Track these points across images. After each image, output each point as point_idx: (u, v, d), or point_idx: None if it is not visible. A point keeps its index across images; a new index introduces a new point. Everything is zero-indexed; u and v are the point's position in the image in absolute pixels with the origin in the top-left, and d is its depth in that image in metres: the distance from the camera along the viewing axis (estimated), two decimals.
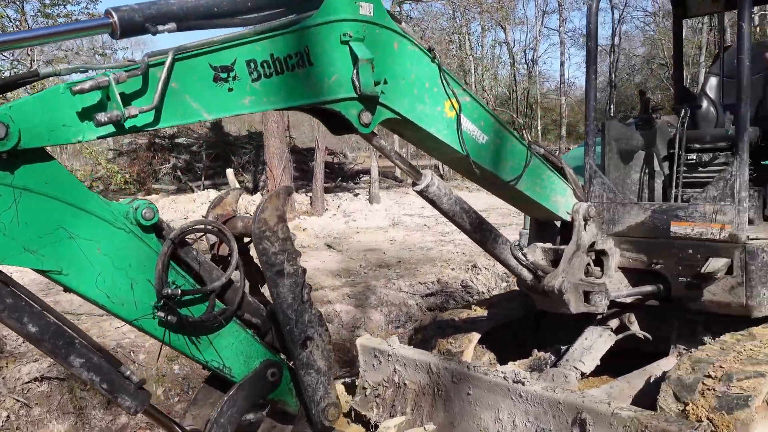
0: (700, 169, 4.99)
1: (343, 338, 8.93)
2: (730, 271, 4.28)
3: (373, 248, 14.23)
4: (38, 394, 6.92)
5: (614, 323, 4.90)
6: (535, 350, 5.05)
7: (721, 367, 3.86)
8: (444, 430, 4.28)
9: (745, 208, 4.25)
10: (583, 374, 4.54)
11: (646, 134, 5.20)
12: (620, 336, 4.82)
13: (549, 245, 4.66)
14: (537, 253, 4.69)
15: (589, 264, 4.64)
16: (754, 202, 4.82)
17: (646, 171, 5.12)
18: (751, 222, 4.75)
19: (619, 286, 4.77)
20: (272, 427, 3.35)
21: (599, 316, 4.98)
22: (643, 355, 4.94)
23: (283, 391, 3.14)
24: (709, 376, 3.80)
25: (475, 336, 5.13)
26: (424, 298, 10.15)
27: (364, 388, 4.93)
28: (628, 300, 4.76)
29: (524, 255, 4.28)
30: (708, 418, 3.68)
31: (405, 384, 4.63)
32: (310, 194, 19.77)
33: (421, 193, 3.79)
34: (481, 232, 4.07)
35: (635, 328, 4.94)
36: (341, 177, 27.09)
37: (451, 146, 3.78)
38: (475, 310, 5.46)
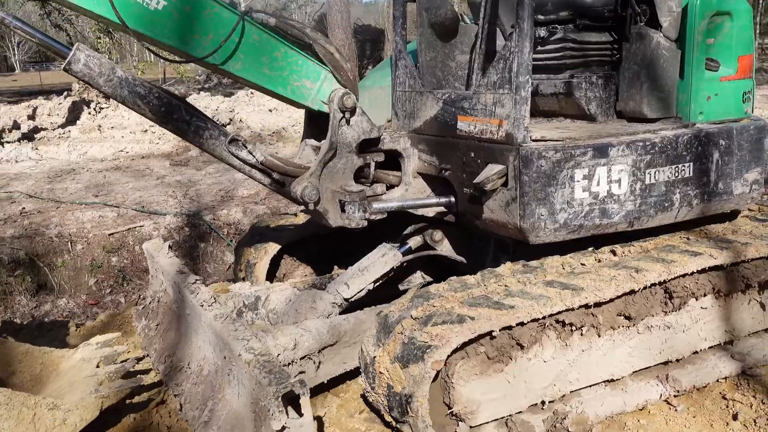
0: (539, 48, 3.81)
1: None
2: (508, 182, 3.25)
3: None
4: None
5: (417, 241, 3.99)
6: (336, 266, 4.28)
7: (433, 305, 2.96)
8: (168, 351, 3.73)
9: (523, 97, 3.14)
10: (346, 299, 3.75)
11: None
12: (409, 257, 3.92)
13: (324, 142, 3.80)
14: (306, 152, 3.86)
15: (367, 166, 3.74)
16: (598, 92, 3.64)
17: (481, 51, 3.99)
18: (593, 118, 3.64)
19: (418, 196, 3.85)
20: None
21: (408, 230, 4.08)
22: None
23: None
24: (412, 317, 2.93)
25: (273, 247, 4.42)
26: None
27: (145, 298, 4.46)
28: (431, 213, 3.82)
29: (251, 152, 3.47)
30: (387, 370, 2.86)
31: (161, 296, 4.09)
32: None
33: (69, 73, 3.09)
34: (173, 122, 3.32)
35: (444, 247, 4.00)
36: None
37: (95, 13, 3.02)
38: (298, 217, 4.71)
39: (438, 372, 2.87)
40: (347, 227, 3.60)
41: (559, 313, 2.95)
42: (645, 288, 3.14)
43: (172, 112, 3.29)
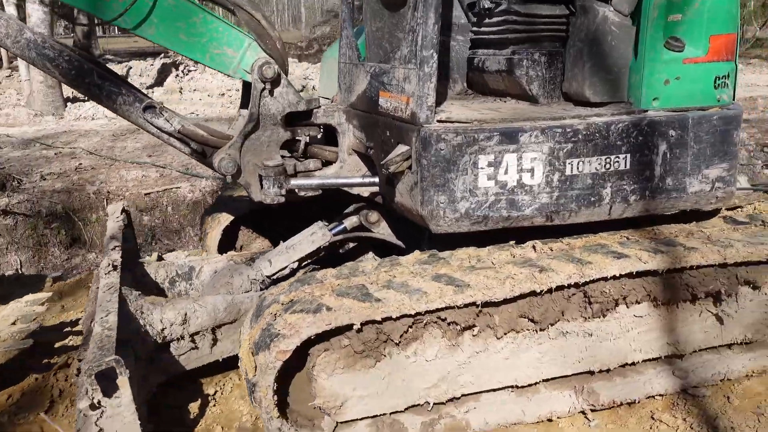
0: (485, 21, 3.50)
1: None
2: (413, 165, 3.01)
3: None
4: (2, 227, 7.52)
5: (353, 221, 3.80)
6: (282, 240, 4.16)
7: (305, 291, 2.80)
8: (92, 315, 3.76)
9: (426, 73, 2.88)
10: (268, 277, 3.64)
11: None
12: (339, 238, 3.75)
13: None
14: (240, 122, 3.75)
15: (298, 140, 3.59)
16: (540, 71, 3.31)
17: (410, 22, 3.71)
18: (535, 100, 3.33)
19: (353, 174, 3.66)
20: None
21: (348, 210, 3.91)
22: None
23: None
24: (280, 302, 2.79)
25: (226, 217, 4.37)
26: None
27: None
28: (365, 193, 3.63)
29: (168, 120, 3.40)
30: (244, 355, 2.75)
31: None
32: None
33: None
34: (85, 86, 3.29)
35: (381, 229, 3.80)
36: None
37: None
38: None
39: (305, 362, 2.75)
40: (264, 202, 3.48)
41: (438, 310, 2.72)
42: (550, 290, 2.84)
43: (83, 76, 3.26)
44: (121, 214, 4.20)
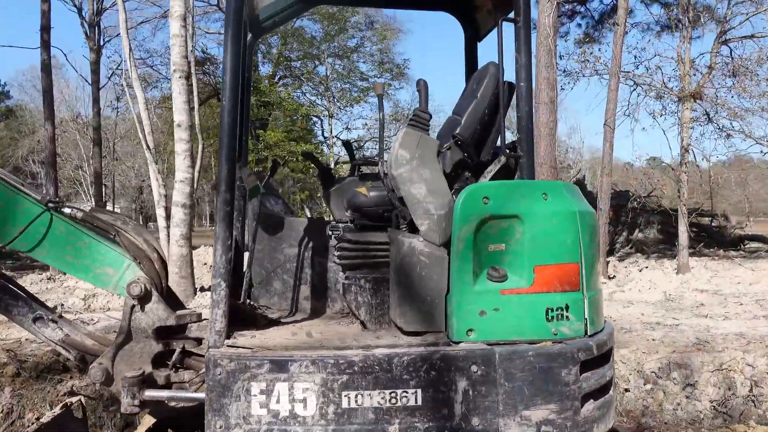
0: (337, 245, 3.62)
1: None
2: None
3: None
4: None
5: None
6: None
7: None
8: None
9: (215, 300, 3.04)
10: None
11: (327, 193, 4.00)
12: None
13: None
14: None
15: (171, 352, 3.80)
16: (366, 296, 3.35)
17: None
18: (364, 325, 3.36)
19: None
20: None
21: None
22: None
23: None
24: None
25: (149, 419, 4.53)
26: None
27: None
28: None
29: (54, 330, 3.79)
30: None
31: None
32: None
33: None
34: None
35: None
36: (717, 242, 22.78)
37: None
38: None
39: None
40: (121, 413, 3.65)
41: None
42: None
43: None
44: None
